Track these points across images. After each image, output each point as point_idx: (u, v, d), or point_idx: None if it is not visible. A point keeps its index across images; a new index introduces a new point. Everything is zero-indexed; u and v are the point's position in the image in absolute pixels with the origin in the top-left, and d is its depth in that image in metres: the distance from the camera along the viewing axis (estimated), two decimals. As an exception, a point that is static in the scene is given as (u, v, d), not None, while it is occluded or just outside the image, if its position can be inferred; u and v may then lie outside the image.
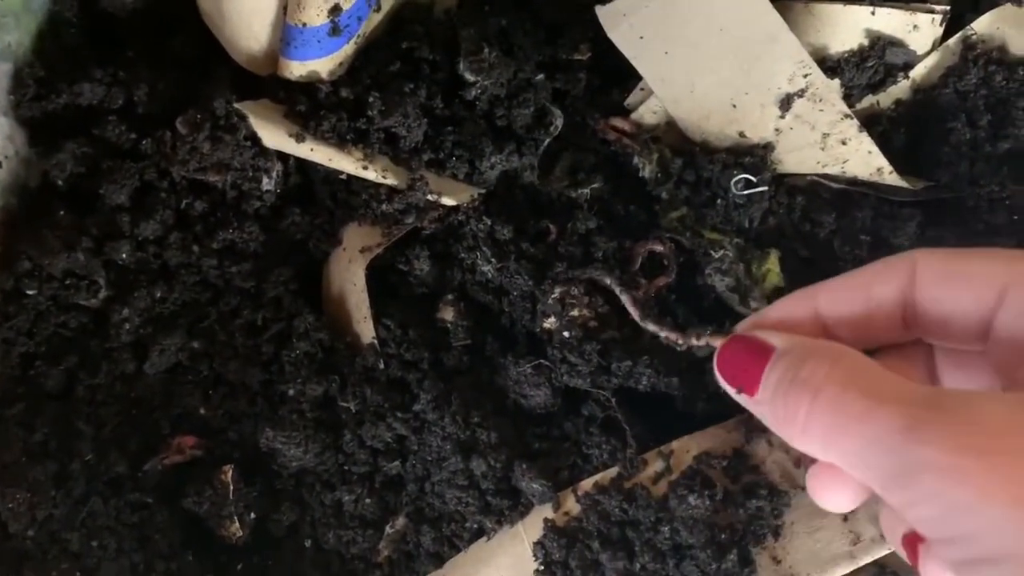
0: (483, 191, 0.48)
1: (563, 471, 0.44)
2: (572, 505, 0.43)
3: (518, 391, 0.45)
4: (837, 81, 0.50)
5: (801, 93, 0.49)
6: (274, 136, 0.46)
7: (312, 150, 0.46)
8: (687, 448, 0.43)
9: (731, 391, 0.31)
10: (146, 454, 0.46)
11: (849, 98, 0.50)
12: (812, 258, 0.50)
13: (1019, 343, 0.28)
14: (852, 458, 0.26)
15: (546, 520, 0.43)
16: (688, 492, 0.40)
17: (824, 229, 0.51)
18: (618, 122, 0.51)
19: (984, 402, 0.24)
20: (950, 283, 0.29)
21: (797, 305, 0.33)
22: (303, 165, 0.49)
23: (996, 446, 0.23)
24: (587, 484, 0.43)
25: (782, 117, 0.49)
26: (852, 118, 0.48)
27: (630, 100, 0.52)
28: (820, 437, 0.27)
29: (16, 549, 0.43)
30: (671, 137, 0.51)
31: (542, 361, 0.44)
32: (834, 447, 0.27)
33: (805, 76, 0.48)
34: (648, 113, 0.51)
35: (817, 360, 0.28)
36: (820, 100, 0.49)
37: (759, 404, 0.30)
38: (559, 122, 0.50)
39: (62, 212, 0.47)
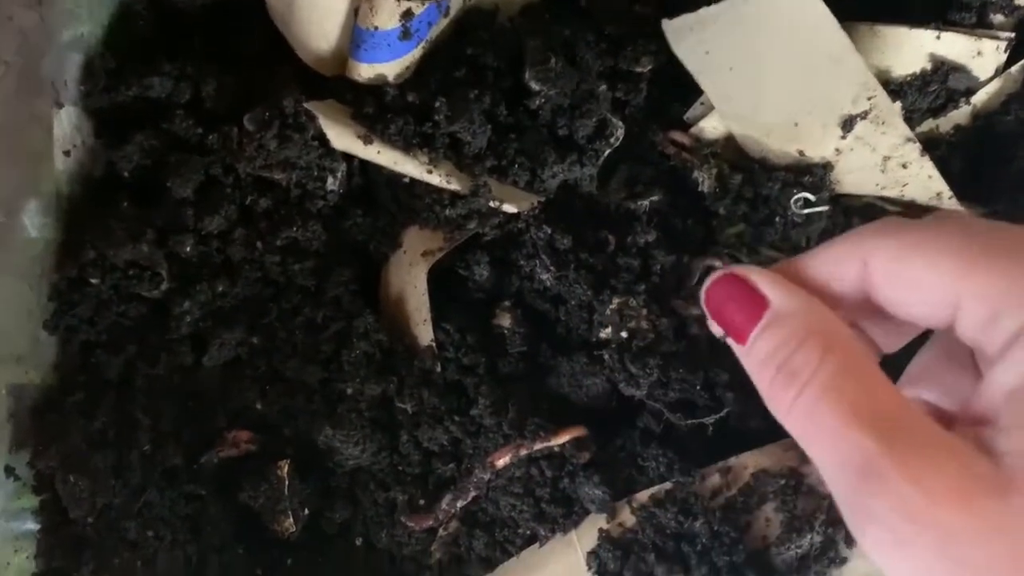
0: (543, 199, 0.48)
1: (618, 483, 0.44)
2: (627, 516, 0.43)
3: (573, 383, 0.45)
4: (898, 104, 0.50)
5: (864, 115, 0.49)
6: (342, 137, 0.46)
7: (379, 152, 0.46)
8: (745, 465, 0.43)
9: (716, 331, 0.31)
10: (201, 447, 0.47)
11: (909, 121, 0.51)
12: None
13: (981, 350, 0.27)
14: (820, 467, 0.27)
15: (601, 530, 0.43)
16: (745, 510, 0.41)
17: (879, 251, 0.51)
18: (678, 136, 0.51)
19: (944, 458, 0.24)
20: (901, 289, 0.28)
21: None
22: (366, 167, 0.50)
23: (934, 524, 0.23)
24: (643, 496, 0.43)
25: (843, 138, 0.49)
26: (915, 142, 0.48)
27: (690, 114, 0.52)
28: (798, 434, 0.27)
29: (76, 536, 0.43)
30: (730, 153, 0.51)
31: (598, 352, 0.45)
32: (808, 448, 0.27)
33: (869, 98, 0.48)
34: (708, 128, 0.51)
35: (809, 348, 0.27)
36: (883, 123, 0.49)
37: (744, 357, 0.30)
38: (620, 133, 0.50)
39: (126, 203, 0.48)
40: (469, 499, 0.44)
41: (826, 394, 0.26)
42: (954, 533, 0.23)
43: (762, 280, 0.30)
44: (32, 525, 0.44)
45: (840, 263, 0.29)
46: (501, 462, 0.43)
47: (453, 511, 0.44)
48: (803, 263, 0.31)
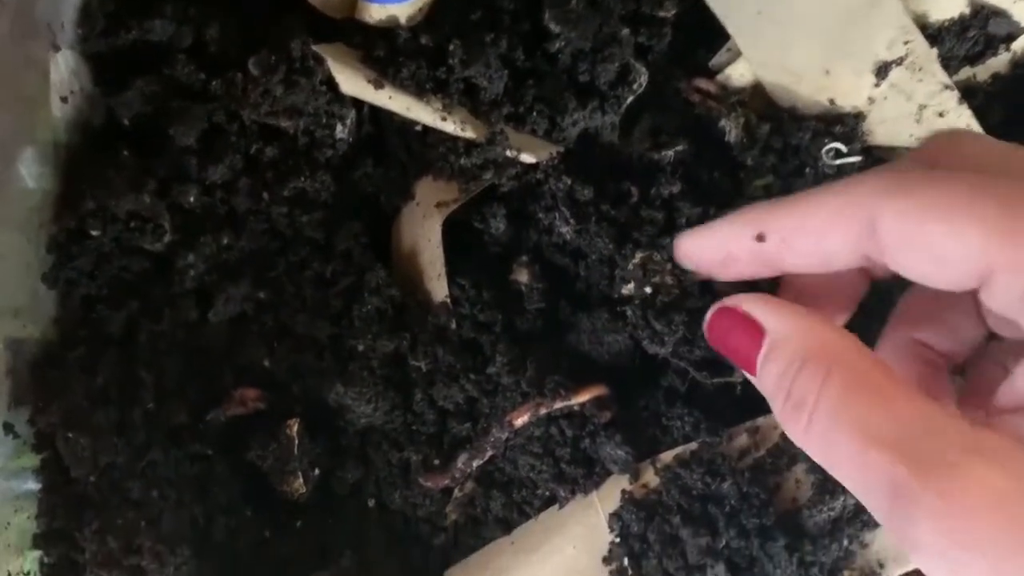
0: (562, 149, 0.46)
1: (641, 443, 0.42)
2: (651, 477, 0.41)
3: (594, 341, 0.43)
4: (935, 50, 0.48)
5: (900, 61, 0.47)
6: (352, 82, 0.44)
7: (390, 98, 0.44)
8: (774, 425, 0.41)
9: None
10: (207, 405, 0.45)
11: (946, 69, 0.48)
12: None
13: (1015, 321, 0.25)
14: (853, 492, 0.25)
15: (623, 491, 0.41)
16: (774, 471, 0.39)
17: (912, 205, 0.49)
18: (703, 83, 0.49)
19: (983, 467, 0.22)
20: (918, 256, 0.26)
21: (738, 237, 0.31)
22: (376, 115, 0.47)
23: (984, 544, 0.21)
24: (667, 456, 0.42)
25: (877, 86, 0.47)
26: (953, 89, 0.46)
27: (715, 61, 0.50)
28: (820, 461, 0.26)
29: (78, 494, 0.42)
30: (757, 102, 0.49)
31: (620, 309, 0.43)
32: (834, 475, 0.25)
33: (906, 43, 0.46)
34: (735, 75, 0.49)
35: (809, 373, 0.26)
36: (919, 69, 0.47)
37: (758, 387, 0.29)
38: (643, 79, 0.48)
39: (126, 152, 0.46)
40: (486, 458, 0.42)
41: (837, 419, 0.25)
42: (1009, 551, 0.21)
43: (753, 306, 0.29)
44: (33, 485, 0.43)
45: (840, 218, 0.27)
46: (519, 421, 0.42)
47: (469, 471, 0.42)
48: (794, 209, 0.29)
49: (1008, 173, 0.25)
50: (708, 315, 0.32)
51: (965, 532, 0.21)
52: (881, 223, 0.26)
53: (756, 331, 0.29)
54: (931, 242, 0.25)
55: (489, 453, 0.42)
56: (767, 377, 0.28)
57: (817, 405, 0.25)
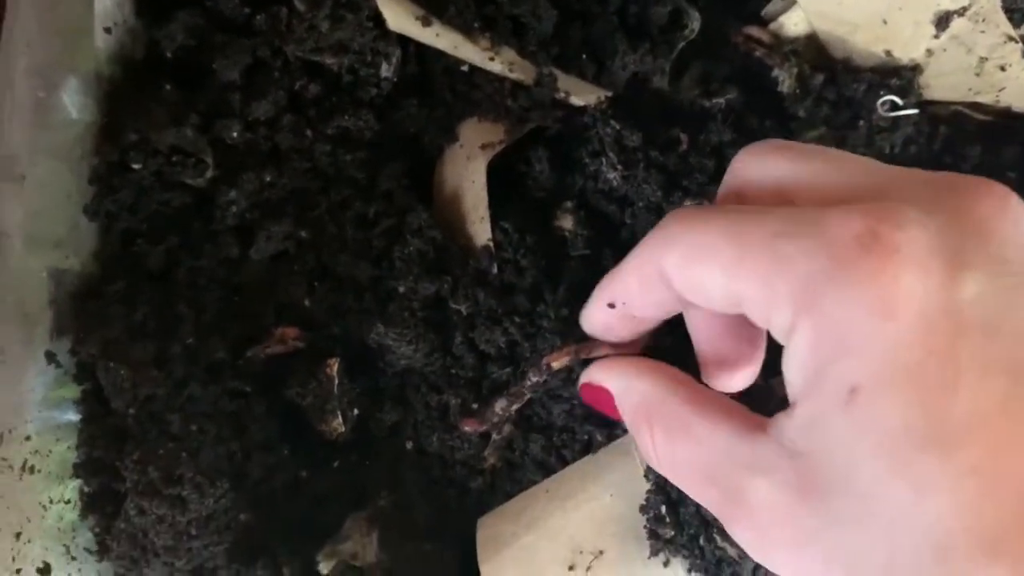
0: (610, 94, 0.45)
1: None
2: (692, 425, 0.41)
3: None
4: (1000, 0, 0.46)
5: (962, 11, 0.45)
6: (399, 18, 0.43)
7: (438, 35, 0.43)
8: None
9: None
10: (246, 343, 0.45)
11: (1009, 20, 0.47)
12: (953, 192, 0.47)
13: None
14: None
15: (664, 439, 0.41)
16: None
17: (967, 163, 0.48)
18: (756, 32, 0.48)
19: (764, 489, 0.26)
20: (694, 294, 0.29)
21: (599, 310, 0.35)
22: (422, 54, 0.46)
23: (777, 544, 0.26)
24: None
25: (936, 37, 0.46)
26: (1017, 41, 0.45)
27: (768, 10, 0.49)
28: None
29: (117, 426, 0.42)
30: (810, 52, 0.48)
31: None
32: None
33: (970, -8, 0.45)
34: (789, 24, 0.47)
35: (639, 431, 0.31)
36: (982, 20, 0.45)
37: None
38: (695, 24, 0.46)
39: (168, 86, 0.45)
40: (523, 402, 0.42)
41: (672, 463, 0.29)
42: (801, 555, 0.25)
43: (596, 374, 0.35)
44: (73, 416, 0.43)
45: (642, 275, 0.30)
46: (557, 364, 0.41)
47: (507, 415, 0.42)
48: (617, 275, 0.32)
49: (782, 198, 0.28)
50: (579, 389, 0.37)
51: (766, 545, 0.26)
52: (666, 272, 0.29)
53: (608, 394, 0.34)
54: (696, 284, 0.28)
55: (527, 397, 0.41)
56: (628, 427, 0.33)
57: (656, 453, 0.30)
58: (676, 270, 0.28)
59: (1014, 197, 0.26)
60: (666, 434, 0.29)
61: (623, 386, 0.33)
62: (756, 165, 0.29)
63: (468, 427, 0.42)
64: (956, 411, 0.22)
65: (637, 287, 0.31)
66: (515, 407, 0.42)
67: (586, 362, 0.42)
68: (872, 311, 0.23)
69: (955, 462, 0.22)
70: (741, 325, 0.33)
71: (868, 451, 0.23)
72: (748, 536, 0.27)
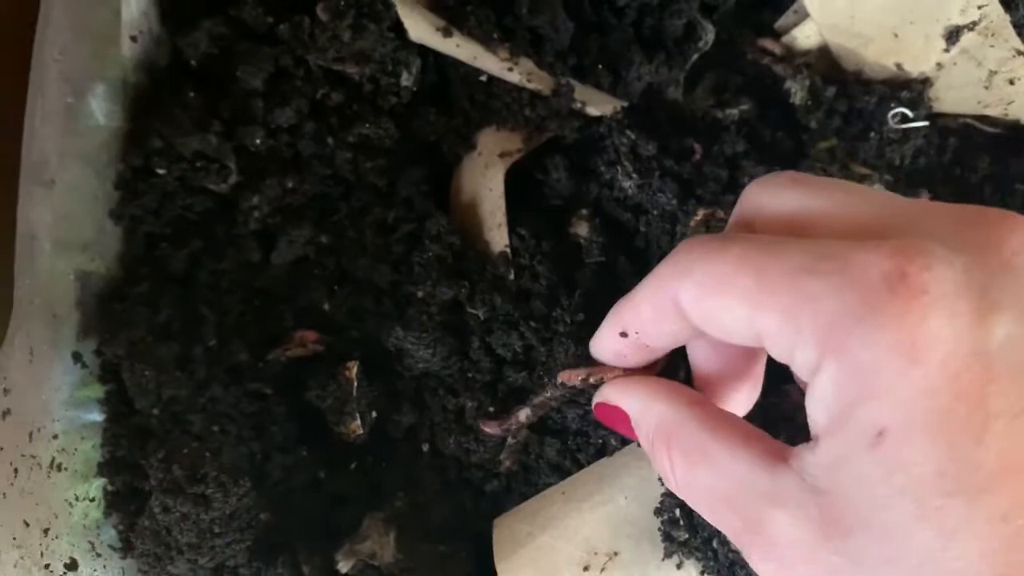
0: (626, 104, 0.46)
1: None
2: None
3: None
4: (1009, 16, 0.47)
5: (972, 26, 0.46)
6: (420, 28, 0.44)
7: (458, 46, 0.44)
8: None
9: None
10: (267, 345, 0.46)
11: (1019, 35, 0.48)
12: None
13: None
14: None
15: (678, 443, 0.42)
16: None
17: (976, 175, 0.49)
18: (769, 44, 0.49)
19: (784, 522, 0.26)
20: (712, 328, 0.28)
21: (611, 338, 0.34)
22: (441, 64, 0.47)
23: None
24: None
25: (947, 51, 0.47)
26: (1026, 56, 0.46)
27: (782, 22, 0.50)
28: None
29: (141, 426, 0.43)
30: (822, 65, 0.49)
31: None
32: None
33: (980, 7, 0.46)
34: (802, 37, 0.48)
35: (658, 453, 0.31)
36: (992, 34, 0.46)
37: None
38: (709, 37, 0.47)
39: (192, 93, 0.46)
40: (544, 413, 0.42)
41: (689, 486, 0.29)
42: None
43: (612, 394, 0.35)
44: (97, 415, 0.44)
45: (656, 304, 0.30)
46: (571, 383, 0.41)
47: (525, 423, 0.43)
48: (629, 304, 0.32)
49: (796, 230, 0.28)
50: (593, 408, 0.37)
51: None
52: (681, 304, 0.28)
53: (624, 414, 0.34)
54: (713, 317, 0.27)
55: (551, 407, 0.42)
56: (644, 448, 0.32)
57: (674, 476, 0.30)
58: (693, 302, 0.28)
59: None
60: (684, 458, 0.29)
61: (639, 407, 0.33)
62: (769, 196, 0.29)
63: (489, 429, 0.43)
64: (985, 457, 0.22)
65: (650, 317, 0.31)
66: (536, 417, 0.43)
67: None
68: (900, 354, 0.23)
69: (984, 508, 0.22)
70: (746, 349, 0.33)
71: (894, 494, 0.23)
72: (769, 568, 0.27)
